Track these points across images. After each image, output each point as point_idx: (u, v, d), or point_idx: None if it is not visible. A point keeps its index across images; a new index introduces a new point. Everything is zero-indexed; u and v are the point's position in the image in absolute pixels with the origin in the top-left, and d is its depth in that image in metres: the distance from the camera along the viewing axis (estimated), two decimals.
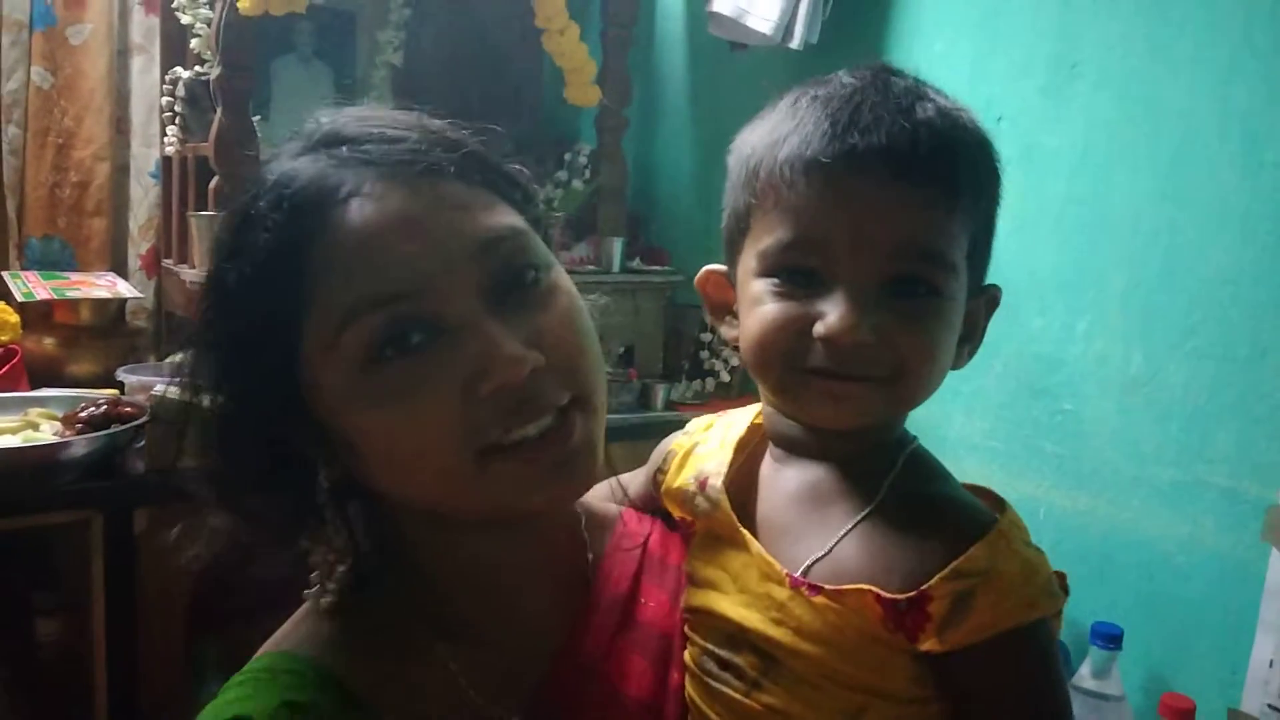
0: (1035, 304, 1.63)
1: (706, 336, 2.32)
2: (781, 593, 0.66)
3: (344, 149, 0.65)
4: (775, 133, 0.67)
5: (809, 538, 0.67)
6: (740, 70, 2.25)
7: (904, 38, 1.90)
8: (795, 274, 0.66)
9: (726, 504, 0.72)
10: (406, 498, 0.67)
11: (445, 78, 2.38)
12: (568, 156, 2.42)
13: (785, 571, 0.66)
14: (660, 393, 2.16)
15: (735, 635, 0.68)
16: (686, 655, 0.73)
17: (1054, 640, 0.66)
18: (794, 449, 0.73)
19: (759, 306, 0.67)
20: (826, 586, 0.64)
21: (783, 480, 0.72)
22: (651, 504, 0.86)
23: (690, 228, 2.50)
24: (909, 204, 0.63)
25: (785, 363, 0.66)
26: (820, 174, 0.64)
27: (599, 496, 0.87)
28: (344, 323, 0.62)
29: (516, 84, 2.57)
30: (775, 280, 0.66)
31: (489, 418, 0.62)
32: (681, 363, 2.37)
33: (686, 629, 0.74)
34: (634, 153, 2.44)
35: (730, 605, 0.69)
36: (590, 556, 0.79)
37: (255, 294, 0.63)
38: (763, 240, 0.67)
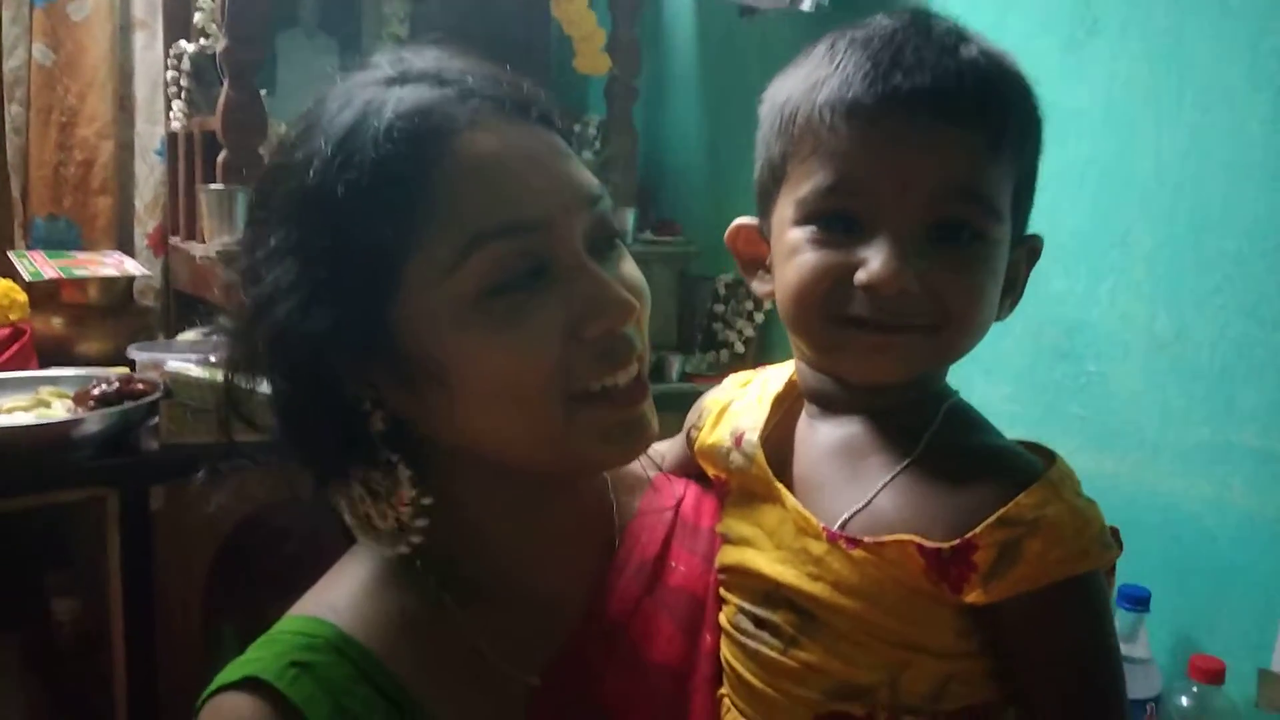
0: (1058, 265, 1.60)
1: (720, 308, 2.30)
2: (818, 547, 0.64)
3: (451, 83, 0.65)
4: (813, 77, 0.65)
5: (846, 492, 0.66)
6: (751, 36, 2.21)
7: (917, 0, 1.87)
8: (835, 220, 0.64)
9: (762, 458, 0.71)
10: (480, 440, 0.66)
11: (451, 48, 2.35)
12: (577, 127, 2.39)
13: (822, 525, 0.64)
14: (675, 365, 2.14)
15: (772, 593, 0.67)
16: (722, 616, 0.72)
17: (1106, 594, 0.64)
18: (830, 405, 0.71)
19: (797, 256, 0.65)
20: (865, 539, 0.62)
21: (819, 435, 0.71)
22: (686, 468, 0.84)
23: (701, 198, 2.47)
24: (954, 145, 0.62)
25: (825, 314, 0.65)
26: (862, 116, 0.62)
27: None
28: (471, 247, 0.61)
29: (523, 54, 2.51)
30: (814, 228, 0.65)
31: (585, 361, 0.63)
32: (695, 334, 2.34)
33: (721, 590, 0.73)
34: (643, 122, 2.41)
35: (766, 562, 0.67)
36: (617, 520, 0.78)
37: (368, 211, 0.61)
38: (801, 187, 0.65)
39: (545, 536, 0.73)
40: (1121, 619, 1.32)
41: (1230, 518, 1.40)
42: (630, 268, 0.70)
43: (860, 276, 0.62)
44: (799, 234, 0.65)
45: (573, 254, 0.64)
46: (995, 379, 1.71)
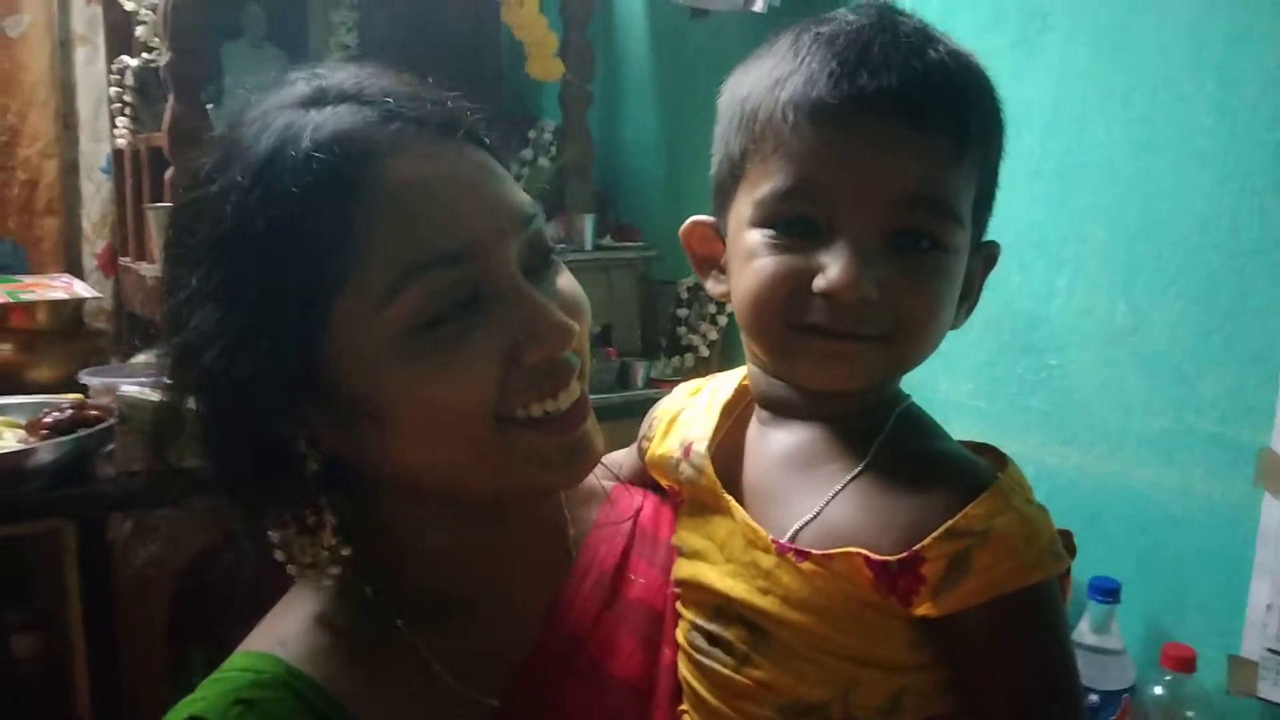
0: (1014, 260, 1.61)
1: (683, 312, 2.29)
2: (768, 560, 0.63)
3: (371, 104, 0.62)
4: (776, 72, 0.63)
5: (796, 501, 0.64)
6: (702, 38, 2.21)
7: None
8: (794, 224, 0.62)
9: (710, 469, 0.69)
10: (418, 472, 0.65)
11: (401, 57, 2.31)
12: (532, 134, 2.38)
13: (771, 538, 0.63)
14: (640, 371, 2.13)
15: (723, 607, 0.65)
16: (678, 632, 0.70)
17: (1059, 602, 0.63)
18: (781, 410, 0.69)
19: (755, 260, 0.64)
20: (814, 552, 0.61)
21: (769, 443, 0.69)
22: (643, 478, 0.83)
23: (660, 202, 2.46)
24: (919, 151, 0.61)
25: (783, 320, 0.63)
26: (826, 117, 0.60)
27: None
28: (400, 281, 0.59)
29: (475, 61, 2.51)
30: (772, 231, 0.63)
31: (523, 387, 0.62)
32: (659, 339, 2.34)
33: (677, 604, 0.71)
34: (598, 127, 2.40)
35: (717, 575, 0.66)
36: (573, 533, 0.77)
37: (291, 248, 0.59)
38: (760, 187, 0.63)
39: (497, 556, 0.72)
40: (1093, 611, 1.34)
41: (1195, 505, 1.41)
42: (567, 282, 0.68)
43: (819, 283, 0.61)
44: (757, 236, 0.64)
45: (507, 279, 0.62)
46: (957, 376, 1.72)
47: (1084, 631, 1.34)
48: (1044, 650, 0.62)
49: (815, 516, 0.63)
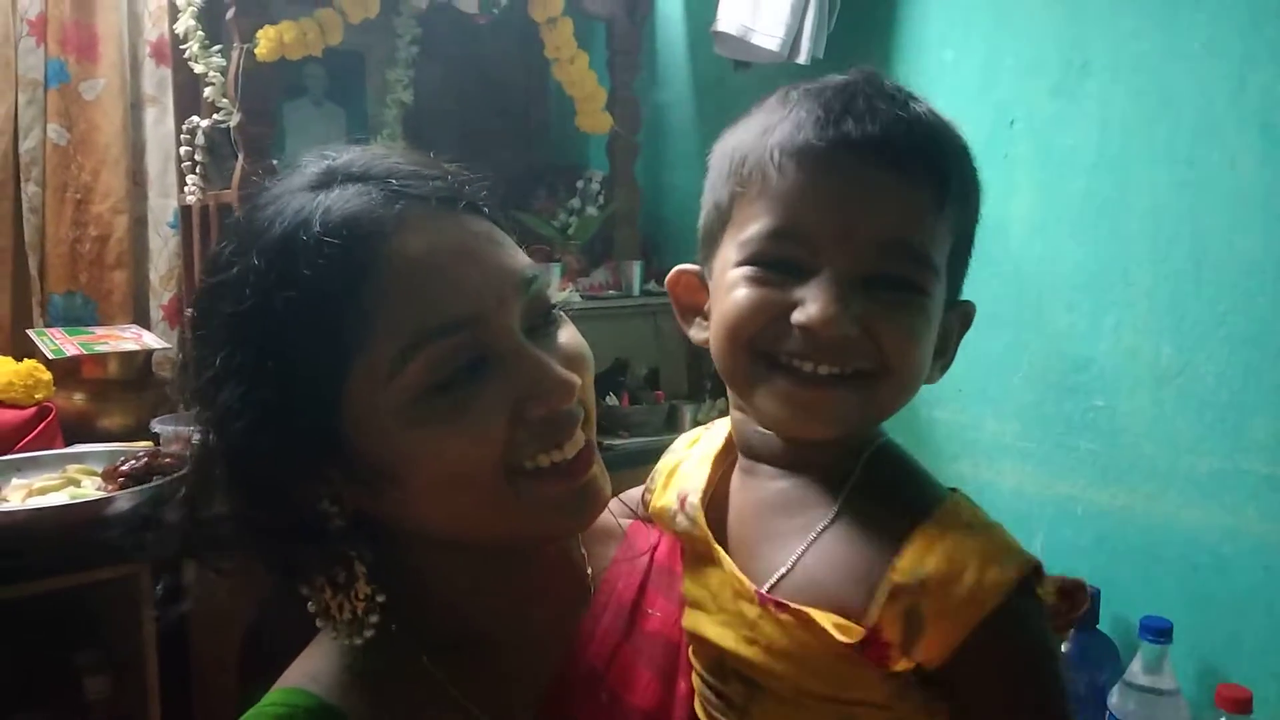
0: (1061, 302, 1.64)
1: None
2: (752, 611, 0.64)
3: (376, 184, 0.66)
4: (764, 123, 0.66)
5: (774, 552, 0.65)
6: (746, 88, 2.26)
7: (912, 48, 1.92)
8: (776, 264, 0.63)
9: (702, 520, 0.71)
10: (437, 525, 0.68)
11: (455, 112, 2.40)
12: (580, 184, 2.44)
13: (754, 589, 0.64)
14: (688, 413, 2.16)
15: (720, 660, 0.67)
16: (694, 676, 0.73)
17: (1035, 618, 0.61)
18: (761, 458, 0.70)
19: (734, 291, 0.64)
20: (791, 605, 0.61)
21: (751, 491, 0.70)
22: None
23: None
24: (900, 197, 0.62)
25: (756, 350, 0.64)
26: (811, 159, 0.62)
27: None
28: (409, 350, 0.62)
29: (524, 114, 2.59)
30: (754, 268, 0.64)
31: (530, 441, 0.65)
32: (705, 382, 2.37)
33: (689, 654, 0.74)
34: (643, 176, 2.46)
35: (711, 625, 0.68)
36: (590, 569, 0.80)
37: (306, 326, 0.63)
38: (745, 229, 0.65)
39: (517, 597, 0.75)
40: (1146, 651, 1.34)
41: (1246, 545, 1.42)
42: (569, 336, 0.71)
43: (798, 316, 0.61)
44: (738, 273, 0.64)
45: (510, 341, 0.65)
46: (1004, 417, 1.73)
47: (1136, 672, 1.34)
48: (1019, 668, 0.61)
49: (790, 569, 0.64)
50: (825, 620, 0.60)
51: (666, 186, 2.61)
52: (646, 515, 0.85)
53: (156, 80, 2.31)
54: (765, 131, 0.65)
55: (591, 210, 2.40)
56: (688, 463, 0.77)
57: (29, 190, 2.17)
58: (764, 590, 0.63)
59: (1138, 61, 1.55)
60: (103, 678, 1.71)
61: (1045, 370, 1.67)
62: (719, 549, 0.68)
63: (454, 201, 0.68)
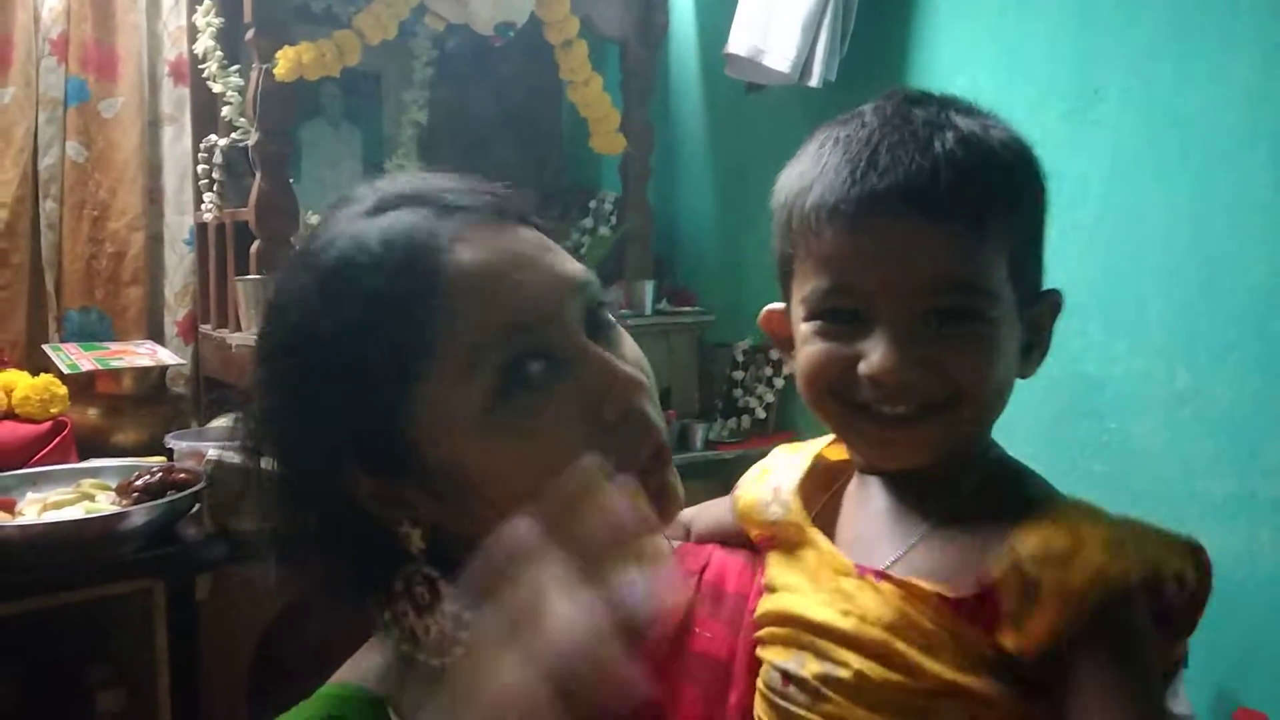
0: (1074, 326, 1.64)
1: (739, 374, 2.33)
2: (850, 584, 0.66)
3: (428, 203, 0.67)
4: (803, 179, 0.68)
5: (881, 547, 0.68)
6: (758, 111, 2.28)
7: (923, 72, 1.93)
8: (838, 314, 0.67)
9: (797, 504, 0.73)
10: None
11: (469, 133, 2.42)
12: (593, 204, 2.45)
13: (852, 563, 0.66)
14: (699, 432, 2.17)
15: (801, 641, 0.68)
16: (759, 679, 0.72)
17: (1142, 622, 0.61)
18: (874, 473, 0.73)
19: (806, 346, 0.68)
20: (893, 574, 0.64)
21: (868, 490, 0.73)
22: (719, 534, 0.86)
23: (715, 268, 2.52)
24: (935, 239, 0.64)
25: (837, 399, 0.67)
26: (843, 220, 0.64)
27: None
28: (476, 358, 0.63)
29: (537, 136, 2.61)
30: (820, 322, 0.68)
31: (612, 446, 0.64)
32: (715, 402, 2.38)
33: (758, 650, 0.73)
34: (656, 197, 2.47)
35: (806, 604, 0.69)
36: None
37: (375, 342, 0.63)
38: (803, 287, 0.69)
39: None
40: None
41: (1261, 569, 1.41)
42: (630, 347, 0.72)
43: (862, 368, 0.65)
44: (807, 327, 0.69)
45: (574, 343, 0.66)
46: (1017, 439, 1.69)
47: None
48: (1122, 660, 0.61)
49: (898, 559, 0.66)
50: (931, 586, 0.62)
51: (679, 207, 2.62)
52: (705, 533, 0.87)
53: (175, 99, 2.34)
54: (802, 190, 0.67)
55: (604, 230, 2.42)
56: (782, 465, 0.80)
57: (47, 207, 2.20)
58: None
59: (1150, 87, 1.56)
60: (114, 693, 1.71)
61: (1058, 393, 1.67)
62: (814, 529, 0.71)
63: (505, 214, 0.69)
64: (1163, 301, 1.54)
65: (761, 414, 2.30)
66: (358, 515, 0.67)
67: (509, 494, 0.65)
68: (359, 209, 0.68)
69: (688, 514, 0.90)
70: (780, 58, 2.00)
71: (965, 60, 1.85)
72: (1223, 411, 1.46)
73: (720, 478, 1.80)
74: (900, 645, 0.63)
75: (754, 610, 0.77)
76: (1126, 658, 0.61)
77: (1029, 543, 0.61)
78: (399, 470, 0.66)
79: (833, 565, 0.68)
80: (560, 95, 2.40)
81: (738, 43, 2.06)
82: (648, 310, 2.27)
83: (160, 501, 1.51)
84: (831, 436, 0.79)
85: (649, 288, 2.29)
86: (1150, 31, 1.56)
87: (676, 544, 0.86)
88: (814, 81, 1.98)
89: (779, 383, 2.26)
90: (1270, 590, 1.40)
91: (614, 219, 2.45)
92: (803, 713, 0.67)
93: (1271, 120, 1.41)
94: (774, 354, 2.26)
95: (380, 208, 0.68)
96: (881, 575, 0.65)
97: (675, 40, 2.60)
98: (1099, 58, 1.63)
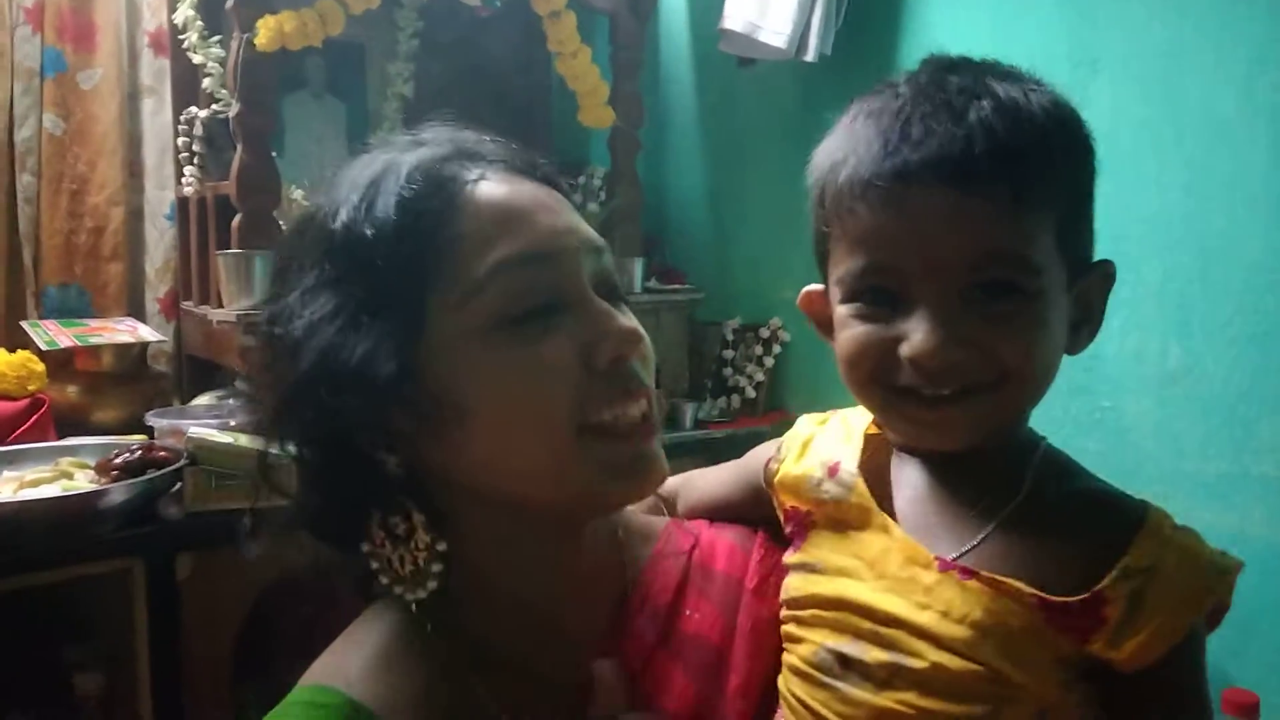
0: None
1: (729, 353, 2.31)
2: (928, 576, 0.64)
3: (460, 147, 0.71)
4: (836, 154, 0.67)
5: (949, 533, 0.67)
6: (750, 85, 2.26)
7: (919, 45, 1.91)
8: (876, 295, 0.65)
9: (864, 488, 0.71)
10: (494, 477, 0.68)
11: (456, 106, 2.37)
12: (582, 179, 2.42)
13: (932, 555, 0.65)
14: (688, 411, 2.14)
15: (865, 629, 0.66)
16: (795, 655, 0.71)
17: (1201, 631, 0.65)
18: (918, 454, 0.71)
19: (845, 330, 0.67)
20: (982, 572, 0.63)
21: (915, 474, 0.71)
22: (713, 506, 0.86)
23: (705, 246, 2.49)
24: (973, 212, 0.61)
25: (878, 383, 0.66)
26: (878, 196, 0.63)
27: (641, 508, 0.87)
28: (489, 274, 0.65)
29: (525, 109, 2.57)
30: (858, 304, 0.66)
31: (597, 391, 0.66)
32: (705, 381, 2.36)
33: (794, 627, 0.72)
34: (645, 173, 2.44)
35: (868, 592, 0.67)
36: (629, 571, 0.79)
37: (396, 245, 0.65)
38: (840, 267, 0.67)
39: (557, 586, 0.74)
40: None
41: (1253, 548, 1.40)
42: (634, 320, 0.72)
43: (903, 350, 0.63)
44: (844, 310, 0.67)
45: (580, 289, 0.68)
46: None
47: None
48: (1192, 682, 0.64)
49: (975, 546, 0.65)
50: (1029, 588, 0.61)
51: (668, 183, 2.59)
52: (702, 507, 0.86)
53: (154, 70, 2.29)
54: (835, 166, 0.66)
55: (593, 206, 2.38)
56: (823, 437, 0.78)
57: (24, 180, 2.15)
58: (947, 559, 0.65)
59: (1146, 61, 1.54)
60: (94, 674, 1.68)
61: None
62: (886, 516, 0.69)
63: (533, 169, 0.73)
64: (1158, 278, 1.52)
65: (751, 393, 2.28)
66: (341, 440, 0.68)
67: (491, 425, 0.66)
68: (395, 146, 0.72)
69: (673, 483, 0.89)
70: (776, 33, 1.97)
71: (960, 33, 1.83)
72: (1216, 389, 1.45)
73: (709, 456, 1.78)
74: (986, 643, 0.62)
75: (777, 587, 0.75)
76: (1196, 672, 0.64)
77: (1141, 556, 0.61)
78: (394, 390, 0.65)
79: (906, 554, 0.66)
80: (548, 68, 2.36)
81: (733, 17, 2.04)
82: (637, 288, 2.24)
83: (140, 480, 1.48)
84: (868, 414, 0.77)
85: (638, 265, 2.26)
86: (1147, 4, 1.54)
87: (664, 522, 0.84)
88: (809, 56, 1.96)
89: (769, 362, 2.25)
90: (1262, 569, 1.39)
91: (603, 194, 2.42)
92: (865, 696, 0.65)
93: (1269, 95, 1.39)
94: (764, 333, 2.25)
95: (415, 146, 0.71)
96: (968, 572, 0.63)
97: (666, 13, 2.57)
98: (1095, 30, 1.61)
